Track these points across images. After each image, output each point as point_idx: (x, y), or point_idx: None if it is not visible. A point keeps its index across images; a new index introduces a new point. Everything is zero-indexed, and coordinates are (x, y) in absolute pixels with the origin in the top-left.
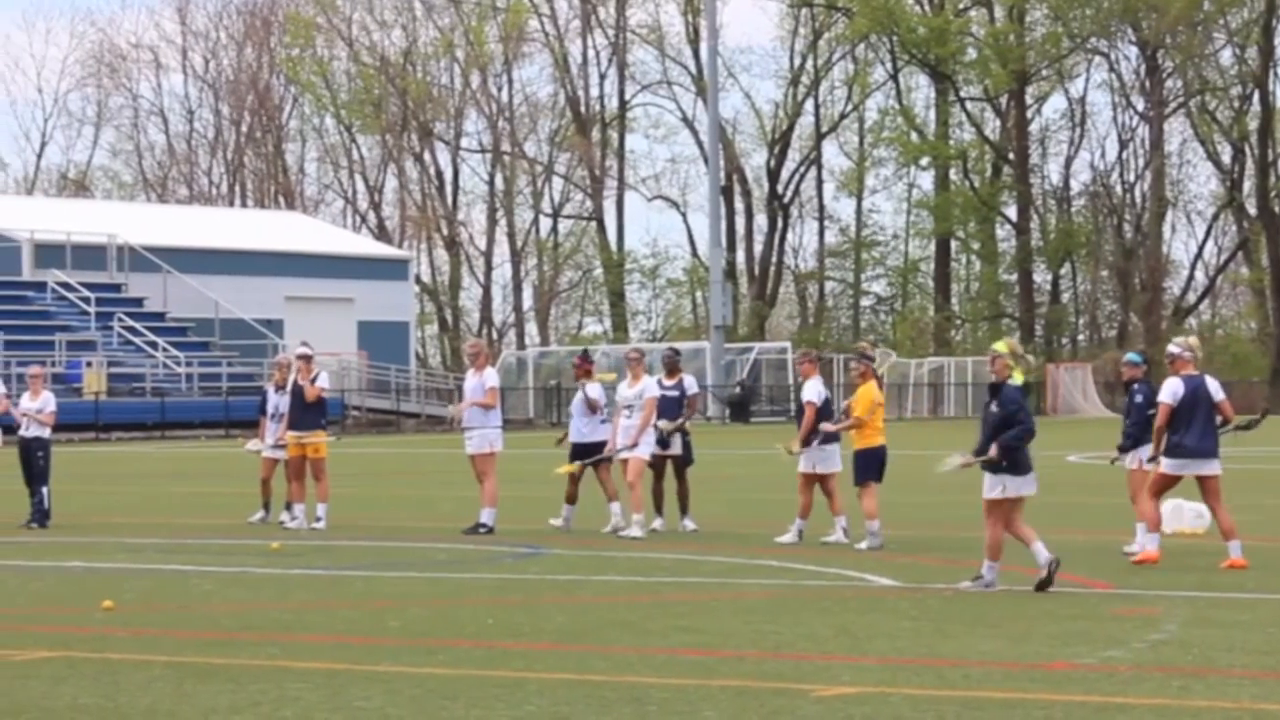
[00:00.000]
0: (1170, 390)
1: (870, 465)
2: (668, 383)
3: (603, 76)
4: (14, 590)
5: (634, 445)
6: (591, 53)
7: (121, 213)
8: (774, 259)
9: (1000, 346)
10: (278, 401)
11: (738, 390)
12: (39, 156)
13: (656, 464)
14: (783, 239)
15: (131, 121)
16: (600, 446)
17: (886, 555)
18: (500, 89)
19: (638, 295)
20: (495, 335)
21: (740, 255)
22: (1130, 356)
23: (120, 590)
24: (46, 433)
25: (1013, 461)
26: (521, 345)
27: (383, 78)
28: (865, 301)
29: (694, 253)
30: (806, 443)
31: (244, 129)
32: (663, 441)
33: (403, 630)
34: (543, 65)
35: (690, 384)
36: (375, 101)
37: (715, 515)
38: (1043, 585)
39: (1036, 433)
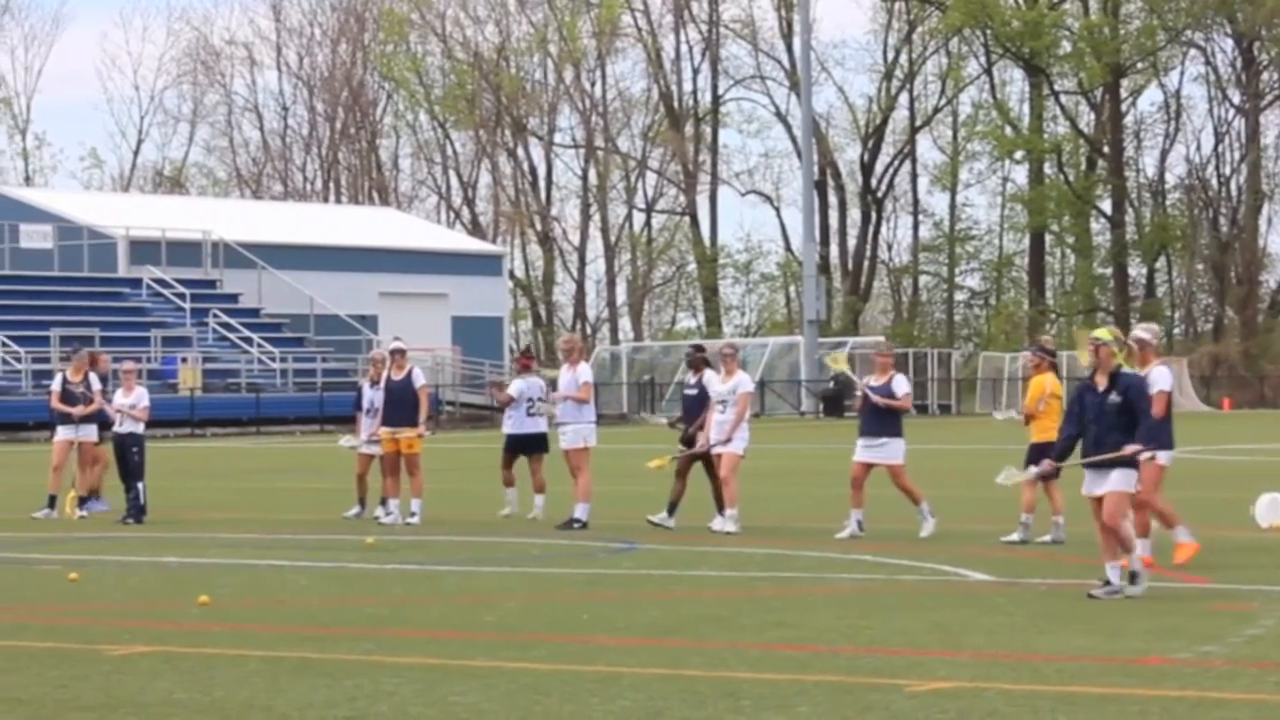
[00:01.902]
0: (1167, 378)
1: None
2: (691, 380)
3: (696, 71)
4: (110, 585)
5: (727, 440)
6: (685, 47)
7: (216, 209)
8: (868, 253)
9: (1104, 333)
10: (373, 397)
11: (831, 385)
12: (135, 154)
13: (684, 466)
14: (876, 233)
15: (226, 118)
16: (537, 439)
17: (982, 550)
18: (593, 84)
19: (731, 290)
20: (589, 330)
21: (834, 250)
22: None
23: (216, 585)
24: (141, 428)
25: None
26: (615, 340)
27: (476, 73)
28: (959, 296)
29: (787, 247)
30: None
31: (338, 125)
32: (688, 440)
33: (497, 625)
34: (636, 60)
35: (711, 380)
36: (469, 97)
37: (805, 510)
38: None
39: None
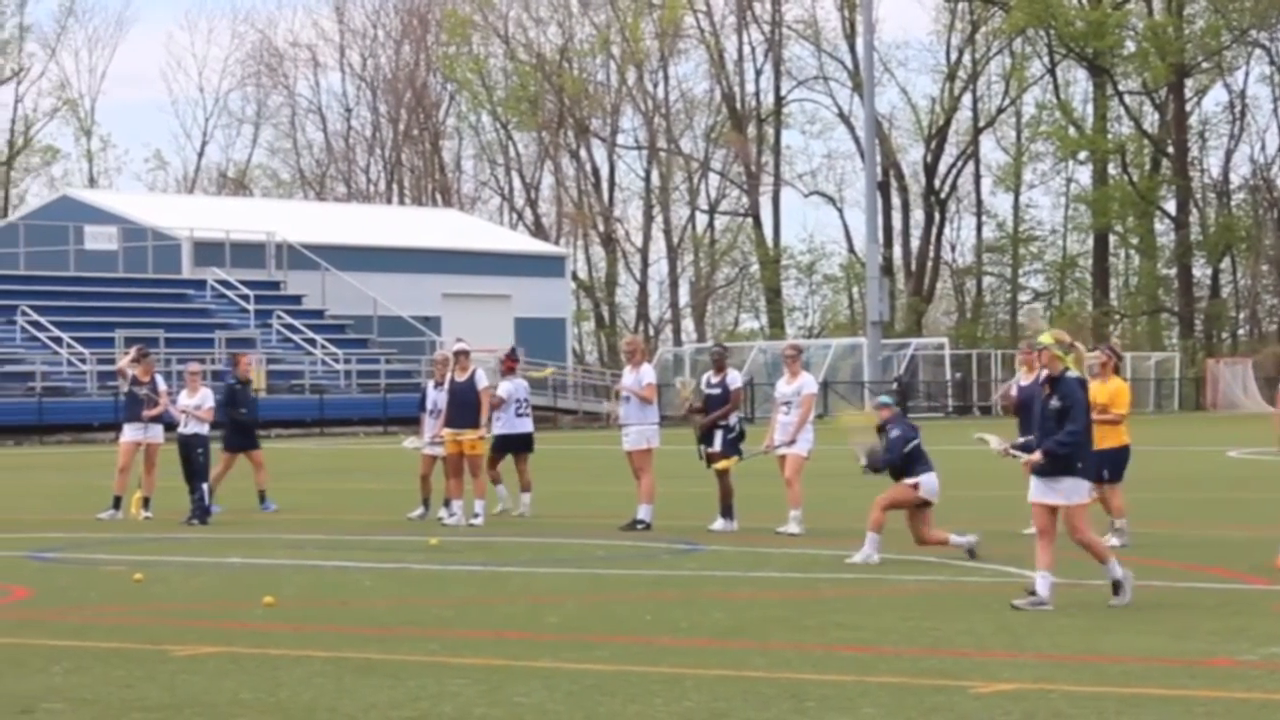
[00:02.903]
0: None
1: (1118, 465)
2: (714, 379)
3: (758, 72)
4: (175, 586)
5: (792, 442)
6: (747, 48)
7: (280, 210)
8: (931, 254)
9: (1045, 338)
10: (436, 398)
11: (894, 386)
12: (199, 155)
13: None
14: (939, 234)
15: (290, 120)
16: (524, 439)
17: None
18: (656, 85)
19: (794, 291)
20: (652, 332)
21: (897, 251)
22: None
23: (281, 586)
24: (205, 429)
25: (1085, 463)
26: (678, 342)
27: (539, 75)
28: (1023, 297)
29: (850, 248)
30: None
31: (401, 127)
32: (707, 439)
33: (561, 626)
34: (699, 61)
35: (734, 379)
36: (531, 98)
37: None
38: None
39: (1089, 437)
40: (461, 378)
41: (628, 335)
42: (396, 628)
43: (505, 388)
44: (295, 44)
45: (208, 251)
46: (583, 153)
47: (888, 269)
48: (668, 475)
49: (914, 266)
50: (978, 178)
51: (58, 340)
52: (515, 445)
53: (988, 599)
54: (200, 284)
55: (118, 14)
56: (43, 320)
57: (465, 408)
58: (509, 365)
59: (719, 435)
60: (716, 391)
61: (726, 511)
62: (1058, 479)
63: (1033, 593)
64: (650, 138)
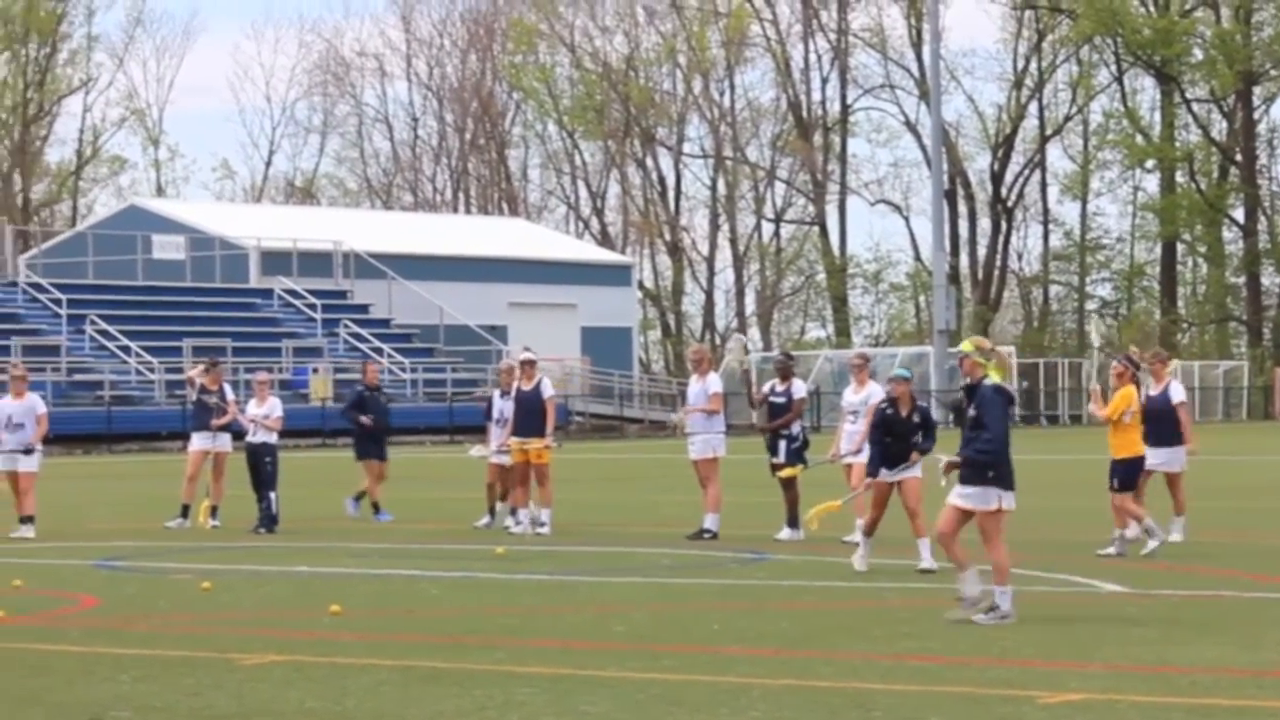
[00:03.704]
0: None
1: (1130, 475)
2: (779, 388)
3: (825, 80)
4: (242, 595)
5: (858, 451)
6: (813, 57)
7: (347, 220)
8: (998, 263)
9: (965, 346)
10: (503, 407)
11: (961, 394)
12: (267, 165)
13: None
14: (1006, 243)
15: (356, 129)
16: None
17: (1114, 561)
18: (722, 94)
19: (860, 300)
20: (718, 341)
21: (964, 259)
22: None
23: (347, 595)
24: (274, 438)
25: (1000, 472)
26: (744, 351)
27: (605, 84)
28: (1090, 305)
29: (917, 257)
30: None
31: (468, 136)
32: (772, 448)
33: (628, 635)
34: (765, 70)
35: (799, 389)
36: (598, 107)
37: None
38: (962, 616)
39: (1004, 444)
40: (528, 386)
41: (694, 344)
42: (463, 636)
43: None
44: (362, 53)
45: (275, 261)
46: (649, 161)
47: (954, 277)
48: (734, 484)
49: (980, 275)
50: (1044, 186)
51: (126, 349)
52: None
53: (1054, 609)
54: (267, 293)
55: (185, 24)
56: (111, 330)
57: (532, 416)
58: (509, 377)
59: (783, 444)
60: (781, 400)
61: (792, 521)
62: (971, 486)
63: (995, 607)
64: (716, 146)
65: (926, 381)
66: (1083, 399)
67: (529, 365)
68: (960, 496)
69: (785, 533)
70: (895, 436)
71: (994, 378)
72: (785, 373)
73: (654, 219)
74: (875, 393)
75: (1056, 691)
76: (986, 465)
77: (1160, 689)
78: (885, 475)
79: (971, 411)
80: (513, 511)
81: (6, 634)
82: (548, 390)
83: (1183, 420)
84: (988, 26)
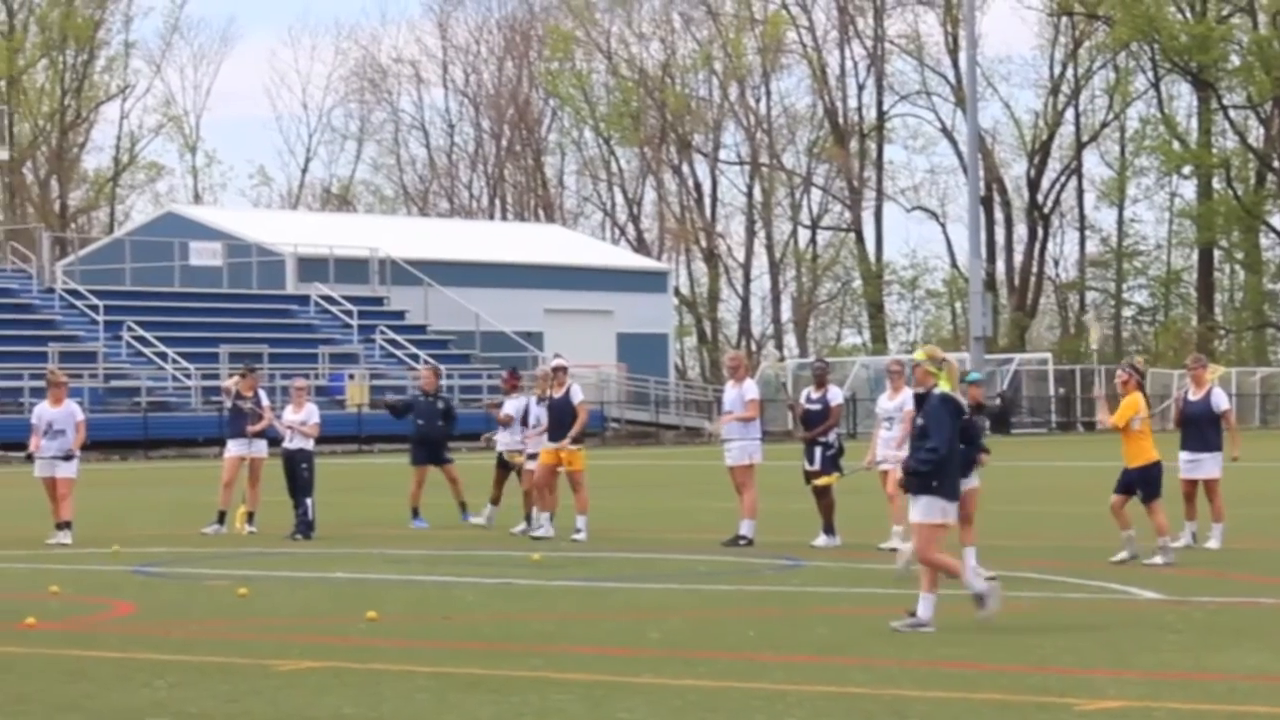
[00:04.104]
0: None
1: (1150, 483)
2: (814, 395)
3: (861, 87)
4: (279, 601)
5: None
6: (850, 63)
7: (383, 226)
8: (1034, 269)
9: (918, 354)
10: (539, 413)
11: (998, 402)
12: (303, 171)
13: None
14: (1043, 249)
15: (393, 136)
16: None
17: (1151, 568)
18: (758, 100)
19: (897, 306)
20: (754, 347)
21: (1000, 266)
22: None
23: (384, 601)
24: (310, 445)
25: (944, 483)
26: (780, 357)
27: (641, 90)
28: (1127, 312)
29: (953, 263)
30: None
31: (504, 142)
32: (808, 455)
33: (664, 642)
34: (801, 76)
35: (835, 395)
36: (634, 114)
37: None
38: (987, 617)
39: (948, 454)
40: (559, 393)
41: (730, 351)
42: (500, 643)
43: (513, 405)
44: (398, 60)
45: (311, 267)
46: (685, 168)
47: (990, 284)
48: (770, 491)
49: (1017, 281)
50: (1081, 192)
51: (163, 356)
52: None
53: (1092, 616)
54: (304, 300)
55: (222, 31)
56: (148, 336)
57: (564, 423)
58: (513, 383)
59: (818, 451)
60: (817, 407)
61: (828, 528)
62: (916, 497)
63: (912, 614)
64: (752, 153)
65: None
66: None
67: (560, 372)
68: (913, 509)
69: (822, 539)
70: (968, 443)
71: (944, 387)
72: (821, 379)
73: (690, 225)
74: (910, 399)
75: (1094, 699)
76: (929, 475)
77: (1198, 696)
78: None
79: (920, 421)
80: (527, 517)
81: (44, 640)
82: (577, 396)
83: (1230, 426)
84: (1024, 33)
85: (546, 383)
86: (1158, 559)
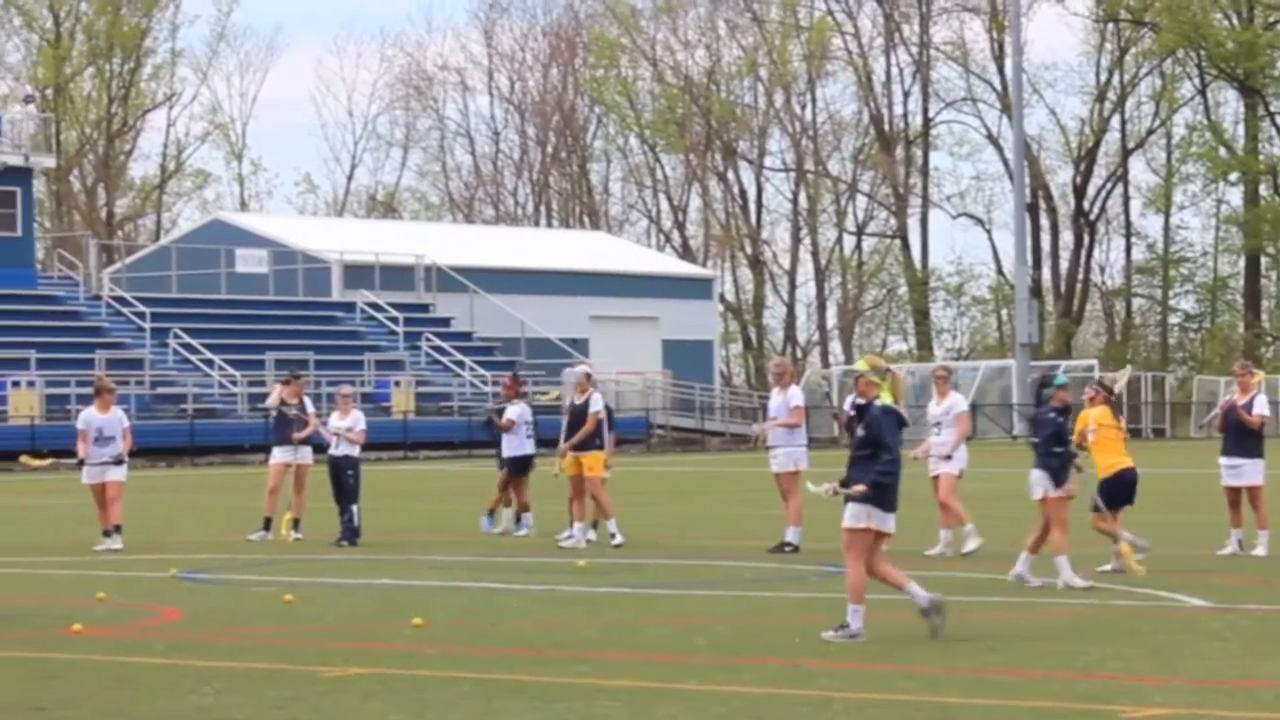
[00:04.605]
0: None
1: (1114, 492)
2: (859, 402)
3: (906, 94)
4: (325, 607)
5: (947, 458)
6: (895, 70)
7: (429, 233)
8: (1080, 276)
9: (861, 365)
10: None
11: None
12: (349, 179)
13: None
14: (1089, 256)
15: (438, 143)
16: (527, 460)
17: (1197, 575)
18: (804, 107)
19: (942, 313)
20: (799, 354)
21: (1046, 272)
22: None
23: (430, 607)
24: (356, 451)
25: (881, 494)
26: (826, 364)
27: (686, 97)
28: (1173, 319)
29: (999, 270)
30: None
31: (549, 149)
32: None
33: (709, 648)
34: (846, 83)
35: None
36: (679, 121)
37: (1022, 534)
38: (937, 628)
39: (901, 463)
40: (580, 400)
41: (775, 357)
42: (545, 649)
43: (516, 411)
44: (444, 67)
45: (357, 274)
46: (730, 175)
47: (1037, 291)
48: (815, 498)
49: (1063, 288)
50: (1127, 199)
51: (209, 363)
52: (525, 466)
53: (1138, 623)
54: (350, 306)
55: (269, 39)
56: (194, 343)
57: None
58: (514, 389)
59: None
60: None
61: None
62: (869, 507)
63: (845, 625)
64: (798, 159)
65: (1009, 395)
66: (1166, 413)
67: (583, 379)
68: (876, 519)
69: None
70: (1062, 445)
71: (885, 398)
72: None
73: (735, 232)
74: (958, 403)
75: (1141, 706)
76: (889, 487)
77: (1245, 704)
78: (1059, 490)
79: (860, 432)
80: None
81: (91, 646)
82: (595, 404)
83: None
84: (1070, 40)
85: (581, 390)
86: (1110, 566)
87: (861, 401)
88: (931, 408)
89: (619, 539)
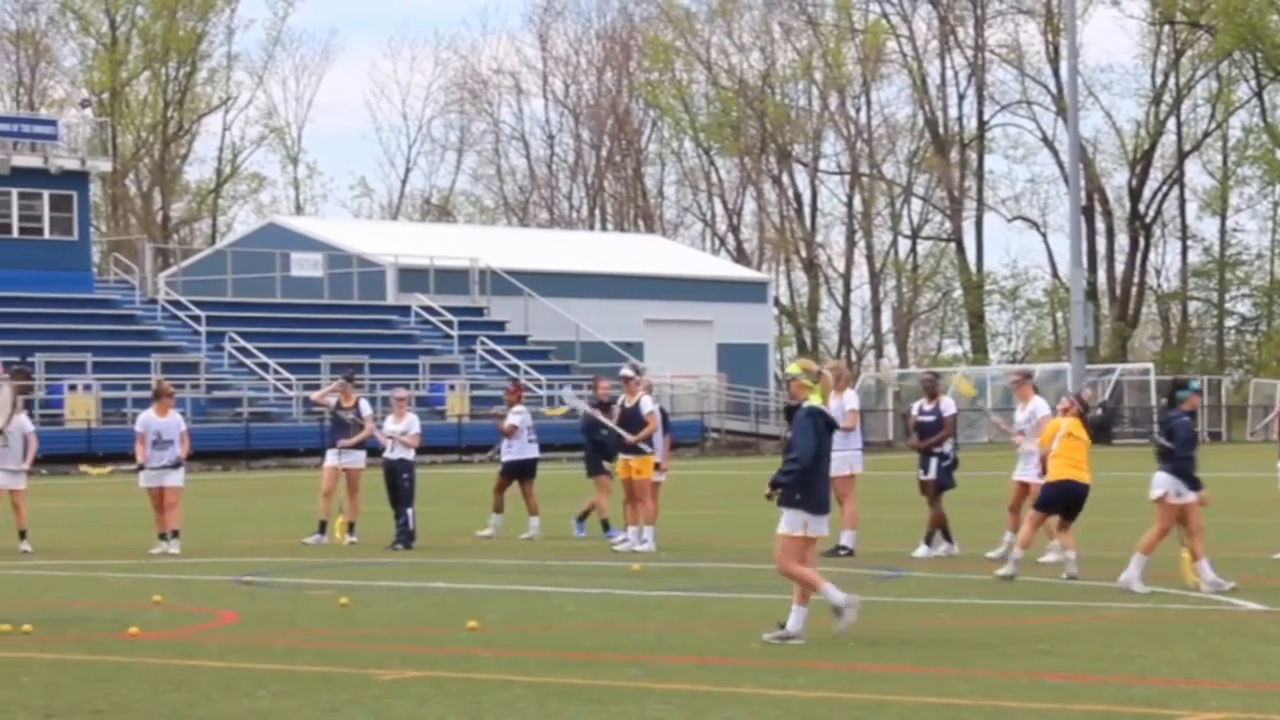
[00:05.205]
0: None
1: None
2: (927, 406)
3: (961, 97)
4: (380, 611)
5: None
6: (950, 73)
7: (483, 237)
8: (1136, 279)
9: (793, 368)
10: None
11: (1099, 412)
12: (403, 182)
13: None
14: (1144, 259)
15: (493, 147)
16: (532, 465)
17: (1254, 579)
18: (858, 110)
19: (997, 316)
20: (854, 357)
21: (1101, 275)
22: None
23: (484, 611)
24: (411, 455)
25: (807, 496)
26: (880, 367)
27: (741, 100)
28: (1229, 322)
29: (1054, 273)
30: None
31: (604, 153)
32: (923, 465)
33: (763, 652)
34: (901, 86)
35: (947, 406)
36: (734, 124)
37: (1077, 538)
38: (840, 631)
39: (809, 465)
40: (630, 403)
41: (830, 361)
42: (599, 653)
43: (518, 416)
44: (499, 71)
45: (412, 278)
46: (785, 178)
47: (1092, 294)
48: (870, 501)
49: (1119, 291)
50: (1183, 202)
51: (264, 366)
52: (527, 470)
53: (1194, 627)
54: (404, 310)
55: (324, 43)
56: (250, 346)
57: (634, 433)
58: (516, 394)
59: (933, 462)
60: (930, 419)
61: (945, 535)
62: (781, 509)
63: (782, 625)
64: (852, 163)
65: (1063, 399)
66: (1223, 417)
67: (630, 381)
68: (813, 526)
69: (944, 547)
70: (1192, 446)
71: (815, 400)
72: (932, 391)
73: (790, 235)
74: (1039, 407)
75: (1196, 710)
76: (793, 488)
77: None
78: (1190, 496)
79: (787, 434)
80: (580, 519)
81: (147, 649)
82: (647, 406)
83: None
84: (1125, 42)
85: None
86: (1008, 568)
87: (792, 403)
88: (1017, 414)
89: (648, 546)
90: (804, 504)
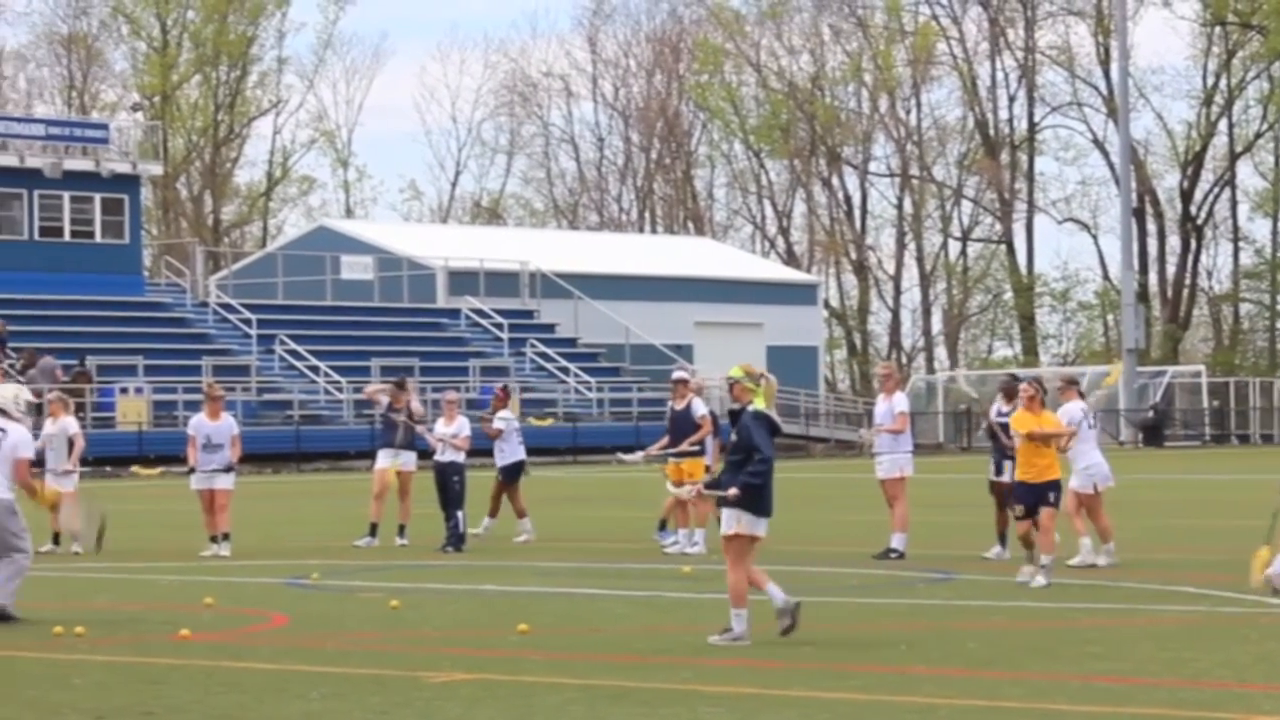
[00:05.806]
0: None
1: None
2: (1004, 409)
3: (1012, 99)
4: (430, 613)
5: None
6: (1000, 75)
7: (533, 239)
8: (1187, 281)
9: (735, 371)
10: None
11: (1150, 414)
12: (453, 185)
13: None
14: (1196, 261)
15: (543, 149)
16: (519, 467)
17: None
18: (909, 112)
19: (1048, 319)
20: (904, 359)
21: (1153, 277)
22: None
23: (534, 613)
24: (461, 457)
25: (751, 498)
26: (931, 370)
27: (791, 102)
28: None
29: (1105, 275)
30: None
31: (653, 155)
32: (997, 466)
33: (815, 654)
34: (951, 88)
35: None
36: (783, 126)
37: (1128, 540)
38: (787, 630)
39: (772, 465)
40: (680, 406)
41: (881, 363)
42: (649, 655)
43: (504, 419)
44: (548, 74)
45: (462, 281)
46: (835, 180)
47: (1143, 296)
48: (921, 504)
49: (1170, 293)
50: (1235, 203)
51: (315, 369)
52: (516, 473)
53: (1248, 630)
54: (455, 313)
55: (375, 46)
56: (300, 349)
57: (683, 436)
58: (503, 398)
59: (1008, 464)
60: (1006, 421)
61: (1000, 539)
62: (729, 509)
63: (728, 629)
64: (903, 165)
65: (1115, 400)
66: (1275, 419)
67: (680, 384)
68: (746, 523)
69: (995, 551)
70: None
71: (759, 404)
72: (1010, 393)
73: (840, 238)
74: (1076, 410)
75: (1250, 713)
76: (760, 489)
77: None
78: None
79: (734, 437)
80: (662, 527)
81: (199, 651)
82: (699, 410)
83: None
84: (1176, 44)
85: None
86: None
87: (736, 407)
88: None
89: (699, 548)
90: (750, 505)
